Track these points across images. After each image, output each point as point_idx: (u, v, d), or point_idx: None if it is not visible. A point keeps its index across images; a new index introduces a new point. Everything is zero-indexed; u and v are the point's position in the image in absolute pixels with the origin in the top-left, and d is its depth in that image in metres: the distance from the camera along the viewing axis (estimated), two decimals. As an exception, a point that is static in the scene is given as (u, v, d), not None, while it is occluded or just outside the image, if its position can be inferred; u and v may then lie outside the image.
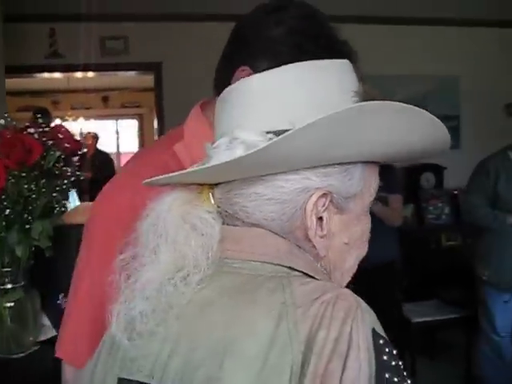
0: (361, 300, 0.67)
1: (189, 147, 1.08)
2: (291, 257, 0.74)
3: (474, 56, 5.55)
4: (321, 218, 0.74)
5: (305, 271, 0.73)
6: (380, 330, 0.66)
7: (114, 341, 0.77)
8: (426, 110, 0.69)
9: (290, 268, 0.73)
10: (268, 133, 0.71)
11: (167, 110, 5.12)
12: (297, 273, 0.73)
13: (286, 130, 0.66)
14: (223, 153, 0.72)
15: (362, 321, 0.64)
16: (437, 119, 0.72)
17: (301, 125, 0.64)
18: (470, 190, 3.54)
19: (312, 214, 0.73)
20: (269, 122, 0.72)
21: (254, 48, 1.01)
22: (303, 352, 0.62)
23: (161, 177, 0.75)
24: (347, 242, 0.79)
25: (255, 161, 0.68)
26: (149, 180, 0.78)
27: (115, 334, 0.76)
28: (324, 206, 0.74)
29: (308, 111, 0.70)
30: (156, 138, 5.47)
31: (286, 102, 0.73)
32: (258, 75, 0.77)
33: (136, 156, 1.22)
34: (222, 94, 0.79)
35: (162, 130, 5.17)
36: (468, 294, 3.78)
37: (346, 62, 0.78)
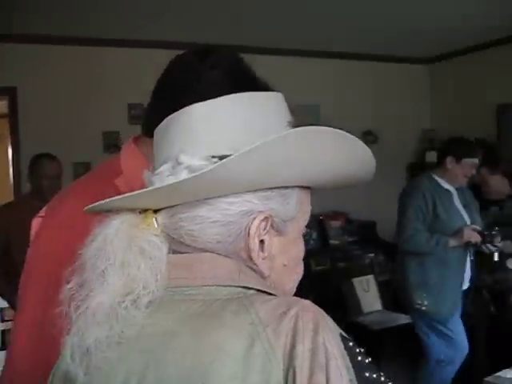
0: (320, 309, 0.70)
1: (129, 183, 1.12)
2: (243, 276, 0.75)
3: (333, 85, 5.81)
4: (262, 241, 0.77)
5: (259, 288, 0.75)
6: (345, 334, 0.69)
7: (69, 376, 0.76)
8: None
9: (244, 287, 0.74)
10: (213, 157, 0.72)
11: (23, 137, 4.78)
12: (252, 291, 0.74)
13: (229, 155, 0.68)
14: (167, 178, 0.74)
15: (330, 329, 0.67)
16: (362, 144, 0.77)
17: (242, 150, 0.67)
18: (408, 217, 3.35)
19: (255, 237, 0.75)
20: (212, 147, 0.74)
21: (195, 92, 1.08)
22: (284, 369, 0.64)
23: (103, 201, 0.75)
24: (286, 263, 0.81)
25: (199, 184, 0.70)
26: (91, 206, 0.78)
27: (69, 369, 0.75)
28: (265, 228, 0.76)
29: (247, 137, 0.73)
30: (11, 167, 5.05)
31: (227, 129, 0.76)
32: (199, 104, 0.78)
33: (73, 189, 1.24)
34: (162, 123, 0.80)
35: (18, 159, 4.80)
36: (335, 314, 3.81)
37: (279, 94, 0.83)
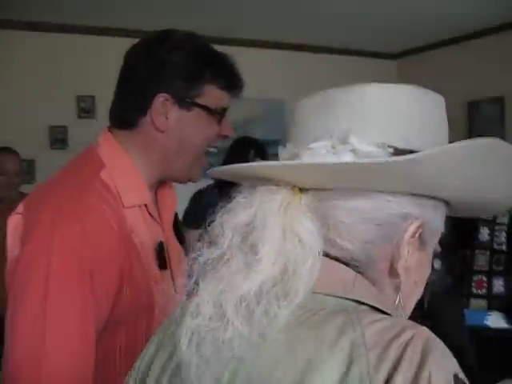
0: (439, 340, 0.63)
1: (112, 175, 1.15)
2: (358, 287, 0.69)
3: (298, 79, 5.51)
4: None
5: (373, 304, 0.68)
6: (462, 375, 0.61)
7: (182, 366, 0.69)
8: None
9: (355, 301, 0.68)
10: (389, 146, 0.69)
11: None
12: (364, 307, 0.68)
13: (405, 150, 0.68)
14: (325, 156, 0.69)
15: (441, 365, 0.59)
16: None
17: (438, 148, 0.66)
18: None
19: (409, 243, 0.71)
20: (386, 135, 0.71)
21: (165, 75, 1.14)
22: None
23: (241, 165, 0.72)
24: (417, 281, 0.77)
25: (372, 172, 0.67)
26: (225, 167, 0.76)
27: (184, 359, 0.68)
28: (414, 237, 0.72)
29: (420, 132, 0.72)
30: None
31: (403, 119, 0.72)
32: (371, 86, 0.74)
33: (57, 183, 1.17)
34: (311, 98, 0.77)
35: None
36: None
37: (441, 97, 0.80)
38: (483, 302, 4.11)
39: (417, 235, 0.71)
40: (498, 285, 4.12)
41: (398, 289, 0.73)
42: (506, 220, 4.25)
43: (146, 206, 1.21)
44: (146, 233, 1.19)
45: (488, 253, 4.27)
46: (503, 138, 0.73)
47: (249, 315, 0.65)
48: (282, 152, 0.74)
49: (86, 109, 4.63)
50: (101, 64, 4.58)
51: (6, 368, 1.02)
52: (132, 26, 4.37)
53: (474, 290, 4.05)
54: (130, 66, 1.20)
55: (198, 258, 0.70)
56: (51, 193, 1.13)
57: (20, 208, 1.14)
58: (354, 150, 0.68)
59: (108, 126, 1.24)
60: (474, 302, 4.10)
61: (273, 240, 0.67)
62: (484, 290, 4.15)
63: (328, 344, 0.62)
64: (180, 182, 1.29)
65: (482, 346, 3.18)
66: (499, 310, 4.04)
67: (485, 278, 4.18)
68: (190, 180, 1.28)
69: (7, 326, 1.05)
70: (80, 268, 1.04)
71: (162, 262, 1.21)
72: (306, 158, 0.69)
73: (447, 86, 5.62)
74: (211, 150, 1.28)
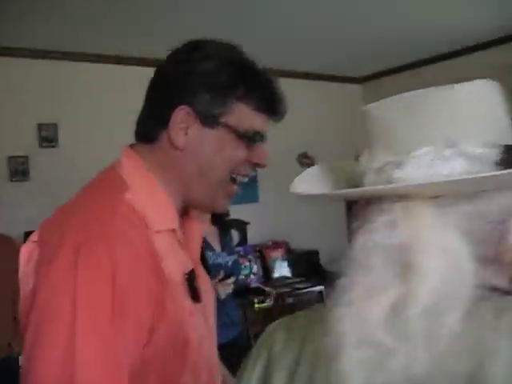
0: None
1: (138, 196, 1.00)
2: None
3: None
4: None
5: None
6: None
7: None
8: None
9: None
10: (496, 145, 0.69)
11: None
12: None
13: (509, 146, 0.68)
14: (435, 163, 0.68)
15: None
16: None
17: None
18: None
19: None
20: (490, 134, 0.70)
21: (190, 85, 1.01)
22: None
23: (383, 187, 0.70)
24: None
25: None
26: (360, 190, 0.74)
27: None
28: None
29: (507, 128, 0.72)
30: None
31: (495, 115, 0.72)
32: (457, 86, 0.72)
33: (78, 206, 0.99)
34: (389, 102, 0.76)
35: None
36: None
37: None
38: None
39: None
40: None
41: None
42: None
43: (174, 231, 1.05)
44: (175, 261, 1.02)
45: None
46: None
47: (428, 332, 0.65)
48: (370, 162, 0.74)
49: (47, 137, 4.31)
50: (64, 90, 4.34)
51: None
52: (95, 50, 4.16)
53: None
54: (158, 73, 1.08)
55: (354, 285, 0.68)
56: (73, 216, 0.96)
57: (34, 236, 0.98)
58: (463, 154, 0.68)
59: (129, 146, 1.10)
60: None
61: (429, 254, 0.66)
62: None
63: (502, 330, 0.65)
64: (203, 212, 1.16)
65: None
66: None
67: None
68: (214, 210, 1.12)
69: (23, 374, 0.86)
70: (111, 304, 0.87)
71: (194, 293, 1.04)
72: (412, 167, 0.69)
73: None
74: (239, 178, 1.09)
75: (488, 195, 0.69)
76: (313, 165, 3.96)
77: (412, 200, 0.69)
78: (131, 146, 1.10)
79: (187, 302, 1.02)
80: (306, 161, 5.52)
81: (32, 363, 0.85)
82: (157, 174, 1.04)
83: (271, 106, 1.07)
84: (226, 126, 1.02)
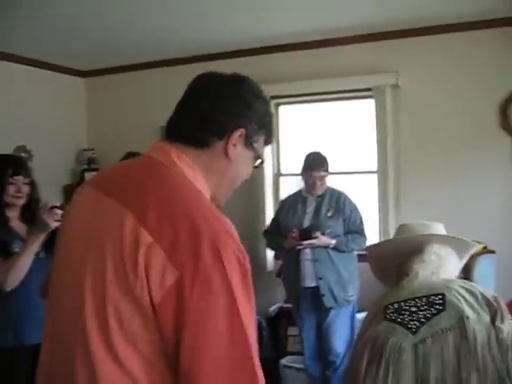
0: None
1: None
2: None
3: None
4: None
5: None
6: None
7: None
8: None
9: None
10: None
11: None
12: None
13: None
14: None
15: None
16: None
17: None
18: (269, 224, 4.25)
19: None
20: None
21: (249, 116, 1.32)
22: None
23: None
24: None
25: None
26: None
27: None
28: None
29: None
30: None
31: None
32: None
33: (186, 201, 1.19)
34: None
35: None
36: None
37: None
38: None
39: None
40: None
41: None
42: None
43: None
44: None
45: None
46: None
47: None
48: None
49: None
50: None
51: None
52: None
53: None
54: (214, 96, 1.31)
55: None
56: (191, 214, 1.14)
57: (129, 217, 1.12)
58: None
59: (165, 141, 1.32)
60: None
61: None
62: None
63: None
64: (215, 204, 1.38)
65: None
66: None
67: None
68: (221, 204, 1.41)
69: (198, 340, 1.04)
70: (247, 284, 1.13)
71: None
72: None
73: (138, 110, 5.41)
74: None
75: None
76: (31, 160, 4.73)
77: None
78: (171, 143, 1.30)
79: None
80: (24, 154, 4.77)
81: (204, 332, 1.04)
82: (203, 174, 1.30)
83: (271, 139, 1.44)
84: (254, 150, 1.37)
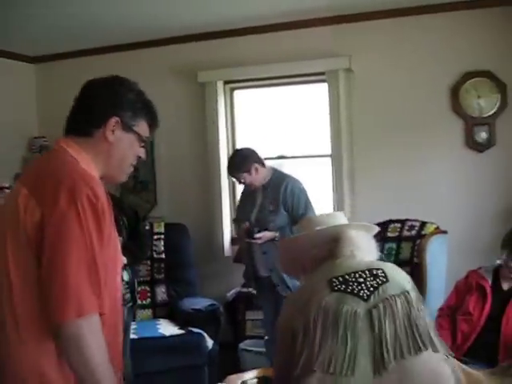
0: None
1: (86, 167, 1.61)
2: None
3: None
4: None
5: None
6: None
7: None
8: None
9: None
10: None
11: None
12: None
13: None
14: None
15: None
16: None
17: None
18: None
19: None
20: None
21: (122, 104, 1.64)
22: None
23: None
24: None
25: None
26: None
27: None
28: None
29: None
30: None
31: None
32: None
33: (58, 168, 1.57)
34: None
35: None
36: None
37: None
38: (149, 312, 4.39)
39: None
40: (161, 292, 4.46)
41: None
42: (162, 229, 4.62)
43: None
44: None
45: (149, 262, 4.50)
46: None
47: None
48: None
49: None
50: None
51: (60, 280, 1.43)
52: None
53: (140, 301, 4.19)
54: (94, 95, 1.67)
55: None
56: (57, 174, 1.53)
57: (20, 190, 1.54)
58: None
59: (64, 135, 1.67)
60: (140, 313, 4.32)
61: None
62: (149, 300, 4.42)
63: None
64: (108, 182, 1.73)
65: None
66: (164, 317, 4.34)
67: (148, 288, 4.44)
68: (116, 182, 1.82)
69: (55, 261, 1.44)
70: (99, 221, 1.49)
71: (119, 231, 1.99)
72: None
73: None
74: (133, 164, 1.75)
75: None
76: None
77: None
78: (66, 137, 1.66)
79: (115, 234, 1.66)
80: None
81: (60, 256, 1.43)
82: (90, 156, 1.63)
83: (155, 121, 1.76)
84: (135, 133, 1.67)
